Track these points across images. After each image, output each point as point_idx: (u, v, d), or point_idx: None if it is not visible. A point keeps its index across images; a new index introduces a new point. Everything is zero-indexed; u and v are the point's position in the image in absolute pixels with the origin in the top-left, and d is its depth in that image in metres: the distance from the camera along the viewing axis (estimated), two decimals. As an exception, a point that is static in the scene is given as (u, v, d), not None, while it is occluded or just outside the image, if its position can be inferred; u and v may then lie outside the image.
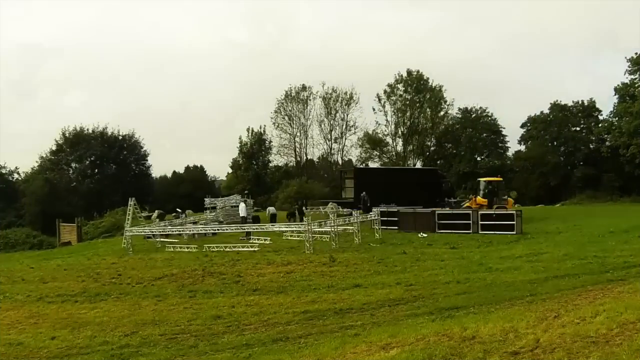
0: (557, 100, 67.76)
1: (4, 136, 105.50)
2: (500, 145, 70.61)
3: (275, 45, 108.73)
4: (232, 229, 29.22)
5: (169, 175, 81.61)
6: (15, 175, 68.61)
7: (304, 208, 43.20)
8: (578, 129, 67.12)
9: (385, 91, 69.99)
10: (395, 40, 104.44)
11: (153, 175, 76.09)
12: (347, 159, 71.64)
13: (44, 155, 67.88)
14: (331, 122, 71.23)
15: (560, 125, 66.45)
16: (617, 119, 59.99)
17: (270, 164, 73.64)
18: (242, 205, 34.58)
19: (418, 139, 69.88)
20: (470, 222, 28.14)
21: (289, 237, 28.05)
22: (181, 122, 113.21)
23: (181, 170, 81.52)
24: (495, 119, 70.06)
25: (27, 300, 16.65)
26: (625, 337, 6.47)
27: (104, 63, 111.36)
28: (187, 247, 26.85)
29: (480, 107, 70.23)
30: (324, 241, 25.58)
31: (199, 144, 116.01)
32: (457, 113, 70.70)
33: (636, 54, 58.65)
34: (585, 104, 66.38)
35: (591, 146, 65.94)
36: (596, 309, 8.38)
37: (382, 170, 58.79)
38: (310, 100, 71.19)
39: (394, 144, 71.06)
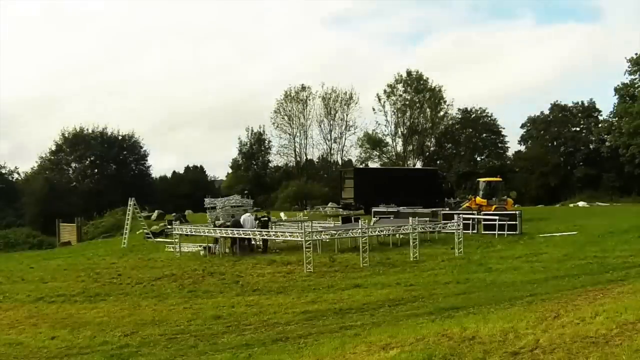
0: (557, 101, 67.83)
1: None
2: (500, 145, 70.61)
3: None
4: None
5: (169, 175, 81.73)
6: (15, 175, 68.70)
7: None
8: (578, 129, 67.10)
9: (385, 91, 70.00)
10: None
11: (153, 175, 76.15)
12: (346, 159, 71.65)
13: (44, 156, 67.99)
14: (331, 122, 71.26)
15: (560, 126, 66.43)
16: (617, 119, 60.02)
17: (270, 164, 73.71)
18: None
19: (418, 139, 69.85)
20: (470, 222, 28.13)
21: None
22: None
23: (181, 170, 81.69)
24: (495, 119, 70.16)
25: (27, 300, 16.65)
26: (625, 337, 6.47)
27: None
28: (187, 247, 26.84)
29: (480, 108, 70.26)
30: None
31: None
32: (456, 113, 70.75)
33: (636, 54, 58.71)
34: (585, 104, 66.41)
35: (591, 146, 65.95)
36: (596, 309, 8.38)
37: (382, 170, 58.82)
38: (309, 100, 71.22)
39: (394, 144, 71.08)
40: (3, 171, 66.52)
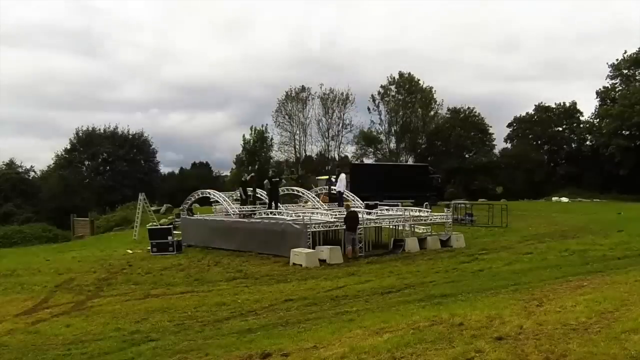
0: (541, 102, 68.12)
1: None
2: (487, 143, 70.64)
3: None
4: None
5: (177, 171, 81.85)
6: (32, 174, 68.61)
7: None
8: (560, 129, 67.37)
9: (379, 92, 70.42)
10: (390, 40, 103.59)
11: (161, 171, 76.21)
12: (343, 156, 71.75)
13: (59, 154, 68.09)
14: (328, 121, 71.28)
15: (543, 125, 66.64)
16: (597, 120, 60.23)
17: (272, 160, 73.71)
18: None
19: (410, 137, 70.04)
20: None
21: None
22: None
23: (188, 166, 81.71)
24: (483, 118, 70.18)
25: (44, 290, 16.68)
26: (603, 325, 6.49)
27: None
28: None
29: (469, 107, 70.41)
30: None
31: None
32: (446, 113, 70.91)
33: (617, 60, 59.01)
34: (568, 105, 66.66)
35: (573, 145, 66.22)
36: (576, 298, 8.41)
37: (376, 166, 58.75)
38: (309, 100, 71.30)
39: (388, 141, 71.30)
40: (20, 170, 66.45)
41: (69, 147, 68.30)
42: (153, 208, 39.52)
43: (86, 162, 69.33)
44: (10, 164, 64.85)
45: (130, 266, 20.53)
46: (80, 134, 68.05)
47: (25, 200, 60.20)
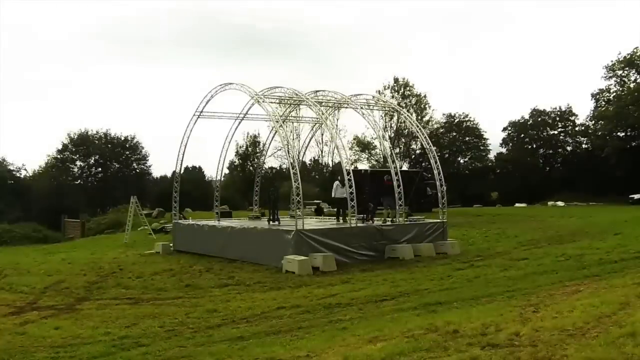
0: (536, 106, 68.50)
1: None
2: (482, 148, 70.94)
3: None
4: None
5: (169, 175, 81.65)
6: (23, 172, 68.41)
7: None
8: (556, 132, 67.70)
9: (373, 97, 70.48)
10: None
11: (154, 175, 76.10)
12: (337, 161, 71.79)
13: (51, 154, 68.04)
14: (322, 127, 71.39)
15: (539, 129, 66.93)
16: (593, 122, 60.57)
17: (265, 166, 73.65)
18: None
19: (404, 142, 70.21)
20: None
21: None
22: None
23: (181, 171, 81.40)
24: (477, 123, 70.54)
25: (33, 292, 16.52)
26: (600, 329, 6.46)
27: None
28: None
29: (463, 112, 70.77)
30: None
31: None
32: (441, 118, 71.21)
33: (612, 61, 59.38)
34: (563, 109, 67.05)
35: (568, 148, 66.52)
36: (573, 303, 8.37)
37: (370, 171, 58.72)
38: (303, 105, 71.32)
39: (382, 147, 71.48)
40: (11, 168, 66.24)
41: (60, 147, 68.28)
42: (145, 212, 39.36)
43: (78, 163, 69.33)
44: (1, 162, 64.69)
45: (120, 270, 20.39)
46: (73, 136, 68.07)
47: (15, 198, 59.91)
